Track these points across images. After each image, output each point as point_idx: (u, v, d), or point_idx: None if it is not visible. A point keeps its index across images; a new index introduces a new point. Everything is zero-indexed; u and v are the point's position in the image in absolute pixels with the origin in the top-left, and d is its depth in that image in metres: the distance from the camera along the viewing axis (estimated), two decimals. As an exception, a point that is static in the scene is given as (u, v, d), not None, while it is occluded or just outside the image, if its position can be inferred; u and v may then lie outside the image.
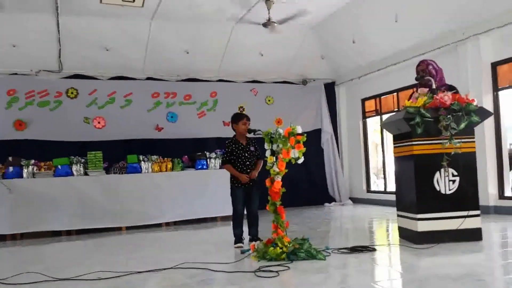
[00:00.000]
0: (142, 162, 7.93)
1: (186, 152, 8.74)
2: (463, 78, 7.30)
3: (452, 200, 4.77)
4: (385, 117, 9.43)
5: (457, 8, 7.17)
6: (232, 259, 4.65)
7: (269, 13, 8.16)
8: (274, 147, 4.73)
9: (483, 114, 4.90)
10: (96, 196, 7.45)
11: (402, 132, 5.05)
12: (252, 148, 5.41)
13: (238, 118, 5.44)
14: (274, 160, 4.72)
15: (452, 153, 4.68)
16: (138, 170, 7.88)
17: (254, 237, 5.34)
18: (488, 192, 7.05)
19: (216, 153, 8.49)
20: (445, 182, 4.80)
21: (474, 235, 4.77)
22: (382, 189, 10.08)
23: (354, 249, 4.70)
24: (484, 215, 5.62)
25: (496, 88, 7.21)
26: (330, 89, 10.97)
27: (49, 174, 7.42)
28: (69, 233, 7.31)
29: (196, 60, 9.55)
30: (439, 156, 4.73)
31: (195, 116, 9.82)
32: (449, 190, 4.79)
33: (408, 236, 5.00)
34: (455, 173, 4.79)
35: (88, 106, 9.06)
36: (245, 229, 5.46)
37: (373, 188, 10.51)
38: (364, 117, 10.51)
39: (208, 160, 8.39)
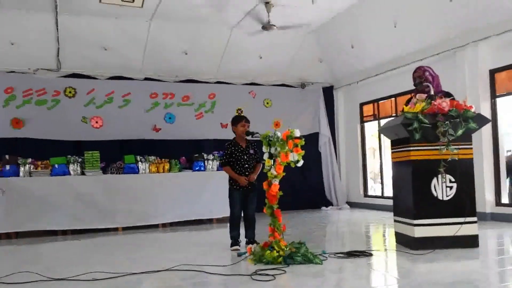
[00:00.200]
0: (140, 162, 7.91)
1: (184, 153, 8.73)
2: (461, 85, 7.32)
3: (449, 207, 4.78)
4: (383, 122, 9.44)
5: (456, 15, 7.19)
6: (228, 261, 4.64)
7: (268, 16, 8.17)
8: (272, 150, 4.72)
9: (481, 121, 4.91)
10: (93, 196, 7.43)
11: (400, 137, 5.06)
12: (251, 151, 5.41)
13: (237, 120, 5.44)
14: (272, 163, 4.72)
15: (450, 159, 4.69)
16: (135, 171, 7.86)
17: (250, 240, 5.33)
18: (485, 199, 7.06)
19: (213, 155, 8.48)
20: (442, 188, 4.80)
21: (471, 242, 4.78)
22: (379, 194, 10.09)
23: (351, 254, 4.70)
24: (480, 222, 5.64)
25: (494, 95, 7.24)
26: (328, 93, 10.99)
27: (46, 173, 7.39)
28: (64, 232, 7.28)
29: (195, 61, 9.55)
30: (437, 162, 4.73)
31: (193, 117, 9.81)
32: (446, 196, 4.80)
33: (404, 242, 5.00)
34: (453, 180, 4.80)
35: (86, 106, 9.03)
36: (242, 231, 5.45)
37: (370, 192, 10.53)
38: (362, 121, 10.52)
39: (205, 161, 8.38)
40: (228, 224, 5.47)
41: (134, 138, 9.21)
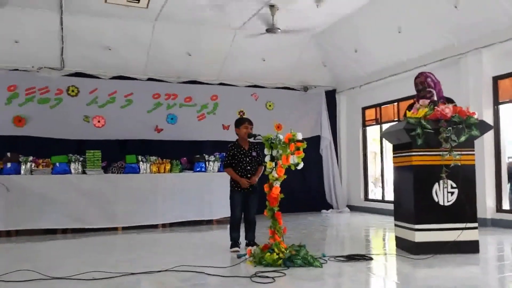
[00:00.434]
0: (141, 162, 7.92)
1: (185, 154, 8.73)
2: (464, 91, 7.32)
3: (450, 212, 4.78)
4: (385, 126, 9.45)
5: (460, 21, 7.19)
6: (228, 263, 4.64)
7: (273, 19, 8.19)
8: (274, 152, 4.72)
9: (483, 127, 4.91)
10: (93, 195, 7.43)
11: (402, 142, 5.06)
12: (254, 154, 5.41)
13: (240, 122, 5.45)
14: (274, 165, 4.72)
15: (452, 165, 4.69)
16: (136, 171, 7.86)
17: (250, 242, 5.33)
18: (486, 205, 7.05)
19: (214, 156, 8.48)
20: (444, 193, 4.80)
21: (471, 247, 4.78)
22: (380, 198, 10.08)
23: (351, 258, 4.69)
24: (481, 227, 5.63)
25: (496, 102, 7.23)
26: (330, 96, 10.98)
27: (47, 172, 7.40)
28: (64, 231, 7.28)
29: (198, 62, 9.56)
30: (438, 168, 4.73)
31: (195, 118, 9.82)
32: (448, 201, 4.80)
33: (405, 246, 4.99)
34: (454, 185, 4.80)
35: (88, 105, 9.04)
36: (242, 233, 5.45)
37: (371, 196, 10.51)
38: (364, 125, 10.52)
39: (206, 163, 8.38)
40: (228, 226, 5.48)
41: (136, 138, 9.21)
